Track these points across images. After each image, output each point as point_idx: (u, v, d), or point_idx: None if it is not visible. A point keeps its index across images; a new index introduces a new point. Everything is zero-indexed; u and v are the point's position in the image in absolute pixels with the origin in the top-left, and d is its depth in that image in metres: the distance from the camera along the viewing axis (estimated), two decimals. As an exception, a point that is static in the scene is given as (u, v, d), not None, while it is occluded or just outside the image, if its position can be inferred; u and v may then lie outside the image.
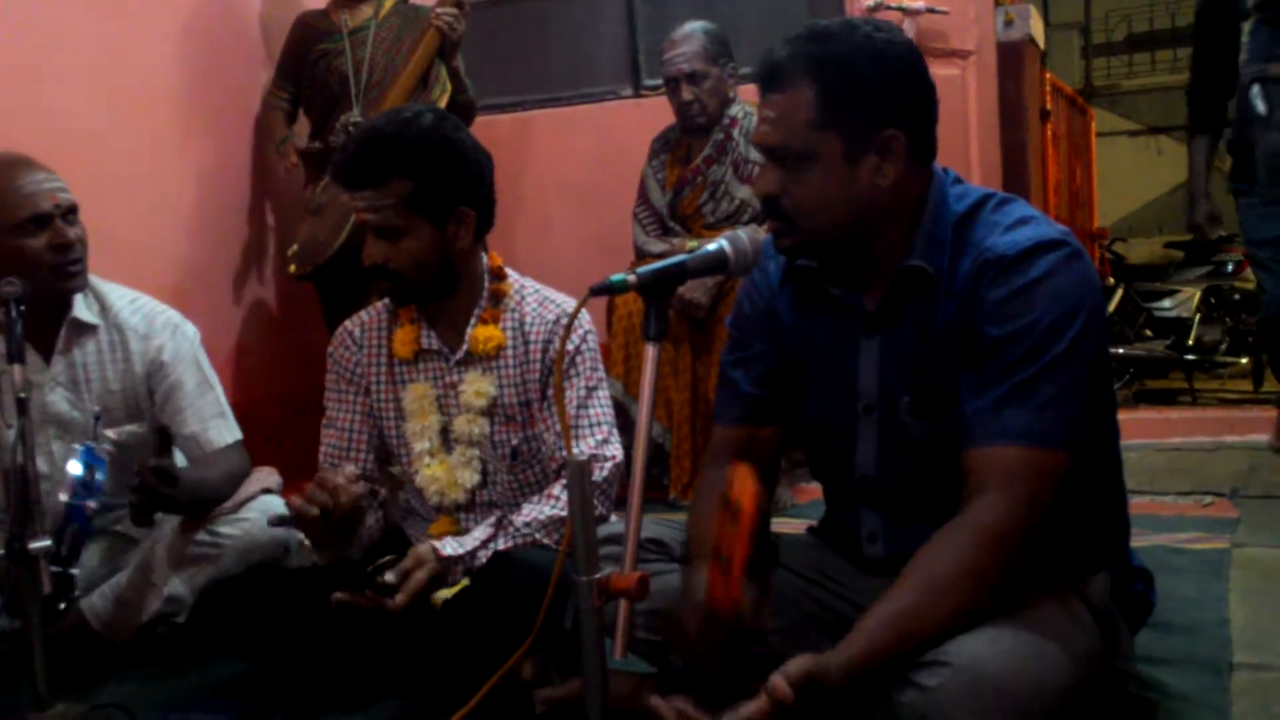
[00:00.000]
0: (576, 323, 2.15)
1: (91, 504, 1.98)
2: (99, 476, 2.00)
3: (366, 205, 2.02)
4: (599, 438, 2.10)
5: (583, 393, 2.13)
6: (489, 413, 2.13)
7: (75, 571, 1.98)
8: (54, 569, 1.90)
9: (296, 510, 1.89)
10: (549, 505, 2.06)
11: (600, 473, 2.06)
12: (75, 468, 2.00)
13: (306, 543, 2.01)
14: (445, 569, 1.96)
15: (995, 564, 1.47)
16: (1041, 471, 1.50)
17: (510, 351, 2.15)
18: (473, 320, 2.15)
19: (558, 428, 2.10)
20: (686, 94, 3.61)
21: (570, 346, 2.13)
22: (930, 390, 1.61)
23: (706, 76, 3.61)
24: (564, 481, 2.03)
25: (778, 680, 1.37)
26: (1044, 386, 1.50)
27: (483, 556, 2.00)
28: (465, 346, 2.14)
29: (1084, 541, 1.67)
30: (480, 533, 2.04)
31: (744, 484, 1.45)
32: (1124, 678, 1.75)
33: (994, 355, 1.53)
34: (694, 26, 3.66)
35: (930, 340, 1.61)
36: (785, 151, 1.59)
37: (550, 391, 2.12)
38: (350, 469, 1.98)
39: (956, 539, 1.48)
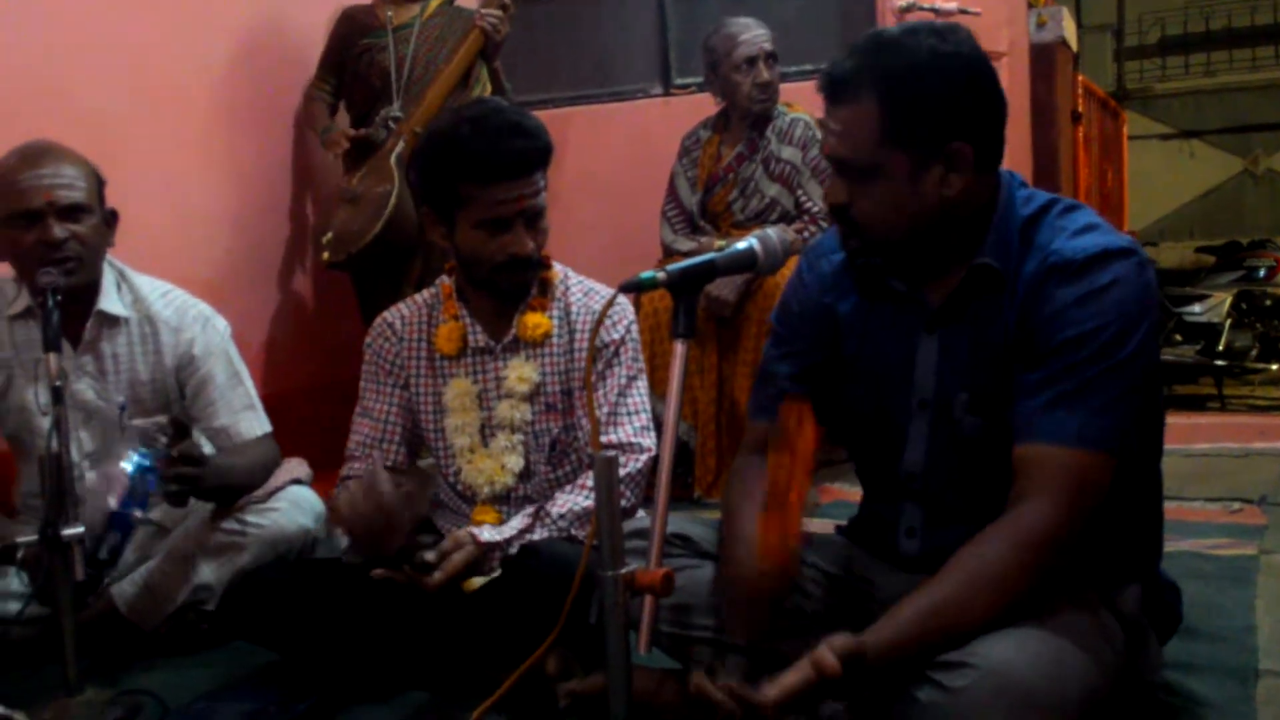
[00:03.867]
0: (621, 314, 2.19)
1: (138, 513, 2.00)
2: (151, 484, 2.01)
3: None
4: (637, 425, 2.13)
5: (623, 381, 2.15)
6: (531, 399, 2.14)
7: (109, 578, 2.00)
8: (89, 571, 1.92)
9: (338, 509, 1.88)
10: (583, 496, 2.07)
11: (635, 464, 2.09)
12: (128, 470, 2.01)
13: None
14: (483, 554, 1.98)
15: (1037, 567, 1.48)
16: (1088, 475, 1.50)
17: (556, 339, 2.17)
18: (521, 307, 2.17)
19: (597, 414, 2.12)
20: (767, 74, 3.60)
21: (616, 336, 2.17)
22: (989, 388, 1.61)
23: (778, 61, 3.62)
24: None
25: (825, 654, 1.37)
26: (1100, 391, 1.51)
27: (516, 547, 2.01)
28: (513, 331, 2.16)
29: (1119, 552, 1.67)
30: (518, 523, 2.06)
31: (802, 423, 1.45)
32: (1152, 688, 1.74)
33: (1055, 356, 1.54)
34: (750, 20, 3.66)
35: (991, 339, 1.61)
36: (850, 165, 1.59)
37: (593, 378, 2.14)
38: (390, 477, 1.99)
39: (1002, 539, 1.48)
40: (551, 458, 2.17)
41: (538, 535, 2.03)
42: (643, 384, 2.18)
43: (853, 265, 1.75)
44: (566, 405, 2.16)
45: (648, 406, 2.17)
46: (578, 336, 2.17)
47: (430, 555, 1.90)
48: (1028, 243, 1.61)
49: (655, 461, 2.09)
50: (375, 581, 1.95)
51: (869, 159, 1.57)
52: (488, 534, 2.01)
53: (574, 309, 2.19)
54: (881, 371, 1.73)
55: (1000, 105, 1.61)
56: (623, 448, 2.10)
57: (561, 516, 2.05)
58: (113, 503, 1.98)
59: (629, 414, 2.14)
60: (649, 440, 2.12)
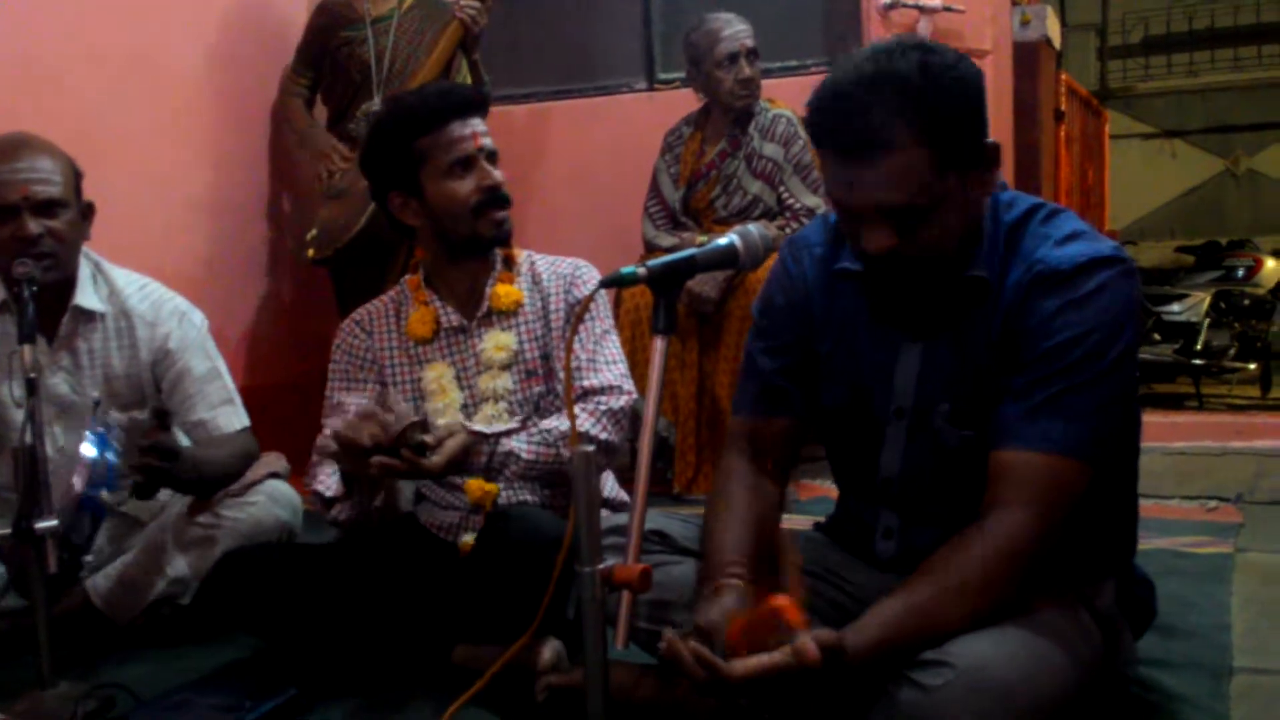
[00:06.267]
0: (590, 275, 2.25)
1: (105, 493, 1.99)
2: (111, 459, 2.00)
3: None
4: (617, 372, 2.18)
5: (598, 332, 2.21)
6: (510, 367, 2.17)
7: (89, 558, 1.99)
8: (64, 555, 1.91)
9: (346, 439, 1.86)
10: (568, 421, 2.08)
11: (617, 401, 2.13)
12: (89, 450, 2.00)
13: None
14: (474, 443, 2.02)
15: (1013, 574, 1.48)
16: (1065, 482, 1.51)
17: (528, 307, 2.22)
18: (490, 280, 2.22)
19: (574, 362, 2.16)
20: (749, 70, 3.60)
21: (585, 294, 2.22)
22: (971, 399, 1.61)
23: (759, 58, 3.62)
24: (583, 406, 2.12)
25: (808, 643, 1.36)
26: (1082, 399, 1.51)
27: (505, 445, 2.06)
28: (486, 304, 2.20)
29: (1094, 550, 1.68)
30: (506, 424, 2.10)
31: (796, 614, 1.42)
32: (1125, 681, 1.75)
33: (1039, 364, 1.53)
34: (731, 15, 3.66)
35: (975, 350, 1.61)
36: (910, 209, 1.50)
37: (565, 333, 2.18)
38: (391, 404, 2.00)
39: (979, 548, 1.48)
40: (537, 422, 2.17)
41: (524, 441, 2.07)
42: (615, 338, 2.25)
43: (832, 264, 1.73)
44: (546, 370, 2.20)
45: (623, 357, 2.23)
46: (551, 300, 2.22)
47: (428, 438, 1.92)
48: (1012, 250, 1.59)
49: (634, 406, 2.13)
50: (359, 565, 1.96)
51: (929, 197, 1.50)
52: (478, 425, 2.05)
53: (543, 276, 2.25)
54: (859, 374, 1.72)
55: None
56: (604, 390, 2.14)
57: (548, 431, 2.09)
58: (79, 485, 1.96)
59: (607, 362, 2.19)
60: (629, 385, 2.17)
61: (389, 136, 2.17)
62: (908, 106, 1.46)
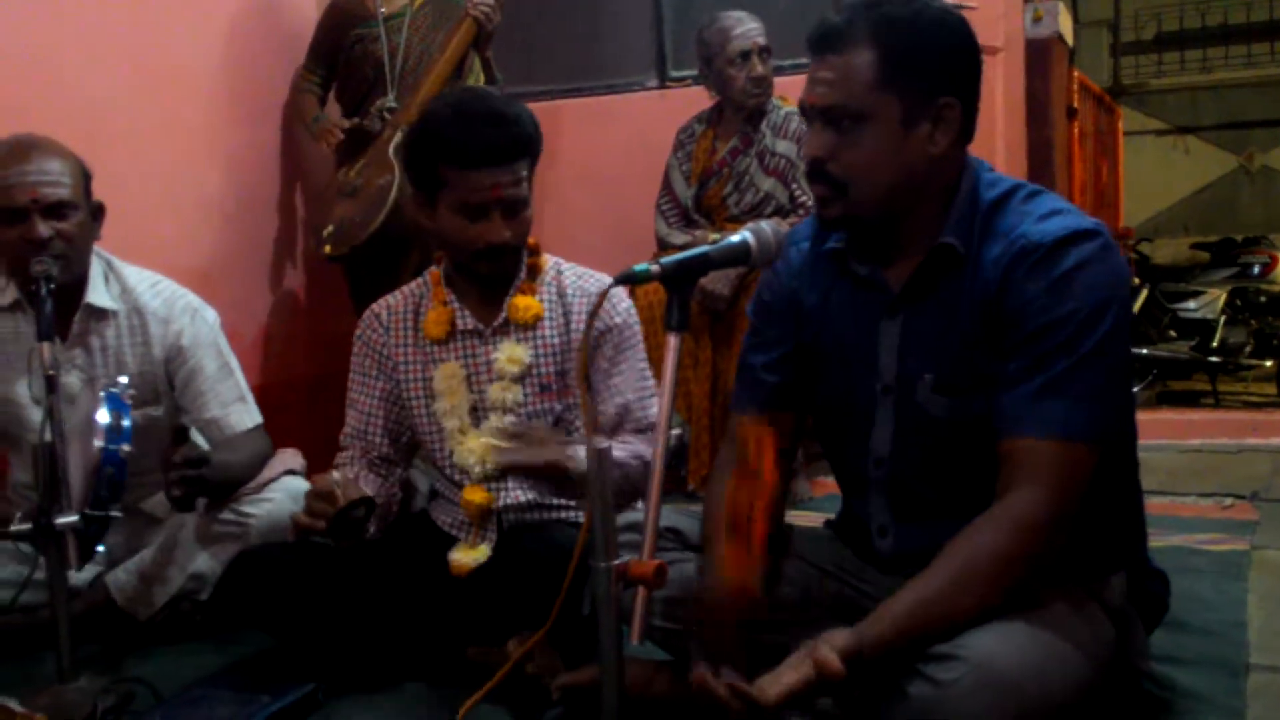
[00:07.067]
0: (621, 296, 2.21)
1: (126, 447, 1.99)
2: (125, 422, 2.00)
3: None
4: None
5: (640, 364, 2.18)
6: (522, 380, 2.15)
7: (115, 513, 1.99)
8: (95, 514, 1.92)
9: (301, 525, 1.89)
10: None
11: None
12: (103, 416, 2.00)
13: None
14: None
15: (1028, 554, 1.48)
16: (1075, 464, 1.51)
17: (548, 321, 2.17)
18: (511, 291, 2.17)
19: (619, 400, 2.14)
20: (761, 68, 3.59)
21: (618, 320, 2.18)
22: (954, 368, 1.62)
23: (772, 55, 3.62)
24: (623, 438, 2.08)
25: (828, 654, 1.39)
26: (1080, 379, 1.51)
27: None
28: (504, 314, 2.17)
29: (1102, 542, 1.67)
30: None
31: (763, 449, 1.46)
32: (1139, 677, 1.75)
33: (1031, 344, 1.54)
34: (744, 13, 3.66)
35: (954, 321, 1.62)
36: (841, 112, 1.59)
37: (599, 363, 2.16)
38: (338, 475, 1.99)
39: (992, 529, 1.49)
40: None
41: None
42: (650, 368, 2.21)
43: (816, 251, 1.76)
44: (562, 385, 2.16)
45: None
46: (574, 317, 2.17)
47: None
48: (990, 226, 1.61)
49: (680, 440, 2.11)
50: (373, 563, 1.96)
51: (861, 104, 1.57)
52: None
53: (569, 291, 2.20)
54: (845, 358, 1.74)
55: (980, 75, 1.64)
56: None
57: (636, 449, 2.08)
58: (98, 443, 1.96)
59: (653, 396, 2.17)
60: (677, 418, 2.13)
61: (419, 143, 2.09)
62: (874, 16, 1.57)
